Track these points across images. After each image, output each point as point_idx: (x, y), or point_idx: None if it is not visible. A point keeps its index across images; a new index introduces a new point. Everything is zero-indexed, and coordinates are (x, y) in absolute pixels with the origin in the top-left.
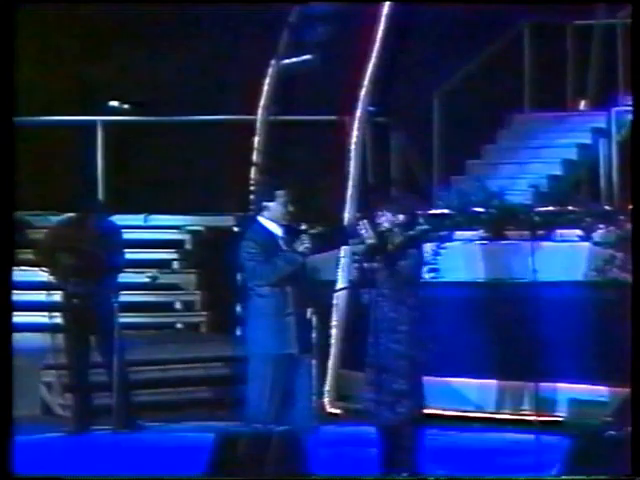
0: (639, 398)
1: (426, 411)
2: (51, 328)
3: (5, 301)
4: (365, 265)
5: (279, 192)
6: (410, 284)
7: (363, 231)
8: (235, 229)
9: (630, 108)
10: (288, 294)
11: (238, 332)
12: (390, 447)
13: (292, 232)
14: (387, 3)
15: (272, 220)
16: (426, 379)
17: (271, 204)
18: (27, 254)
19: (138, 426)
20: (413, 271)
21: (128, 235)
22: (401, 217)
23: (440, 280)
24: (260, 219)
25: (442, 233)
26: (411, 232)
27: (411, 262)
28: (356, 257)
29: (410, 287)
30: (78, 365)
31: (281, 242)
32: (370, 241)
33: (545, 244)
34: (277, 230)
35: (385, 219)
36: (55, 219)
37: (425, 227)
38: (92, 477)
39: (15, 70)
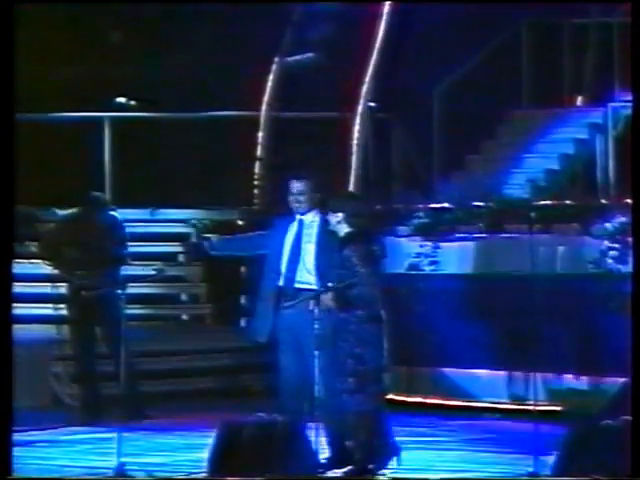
0: (639, 398)
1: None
2: (59, 320)
3: (5, 295)
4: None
5: (293, 184)
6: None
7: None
8: (240, 222)
9: (627, 104)
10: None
11: (242, 323)
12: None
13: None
14: (388, 2)
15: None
16: (423, 369)
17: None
18: (34, 247)
19: (144, 416)
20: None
21: (135, 229)
22: (340, 215)
23: (440, 272)
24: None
25: (442, 227)
26: (346, 231)
27: (352, 263)
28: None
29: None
30: (86, 356)
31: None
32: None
33: (543, 237)
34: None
35: (331, 218)
36: (61, 213)
37: (368, 227)
38: (92, 477)
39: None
